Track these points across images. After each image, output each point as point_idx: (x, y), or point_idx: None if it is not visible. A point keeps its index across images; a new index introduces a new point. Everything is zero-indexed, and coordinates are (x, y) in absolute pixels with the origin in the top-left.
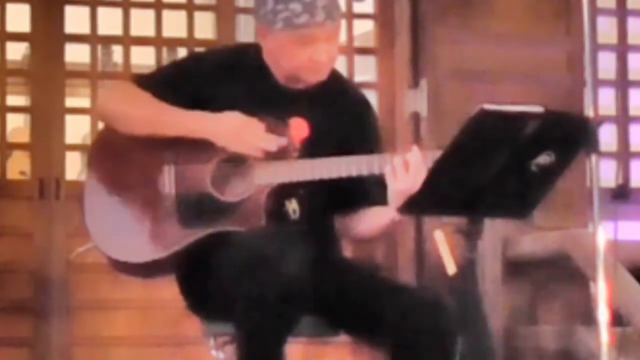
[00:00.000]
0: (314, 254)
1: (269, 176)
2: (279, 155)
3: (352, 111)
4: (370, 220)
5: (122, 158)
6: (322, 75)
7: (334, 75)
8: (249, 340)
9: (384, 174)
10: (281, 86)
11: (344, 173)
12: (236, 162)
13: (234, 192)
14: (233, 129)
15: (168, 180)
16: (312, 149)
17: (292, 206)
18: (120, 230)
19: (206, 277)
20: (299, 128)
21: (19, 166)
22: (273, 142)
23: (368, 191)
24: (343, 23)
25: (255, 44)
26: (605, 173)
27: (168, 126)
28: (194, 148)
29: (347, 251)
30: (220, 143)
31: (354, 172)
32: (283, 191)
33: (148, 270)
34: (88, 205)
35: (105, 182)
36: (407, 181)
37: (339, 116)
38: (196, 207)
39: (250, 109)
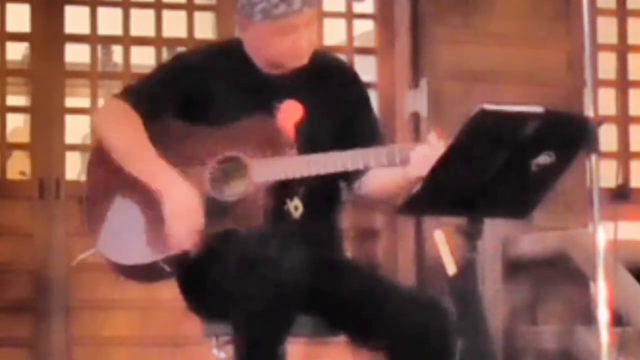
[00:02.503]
0: (315, 254)
1: (266, 174)
2: (276, 152)
3: (343, 84)
4: (382, 180)
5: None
6: (303, 60)
7: (318, 53)
8: (247, 340)
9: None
10: (268, 74)
11: (340, 167)
12: (234, 162)
13: (233, 191)
14: (175, 208)
15: None
16: (311, 128)
17: (294, 204)
18: (121, 234)
19: (206, 277)
20: (291, 110)
21: (19, 166)
22: (187, 245)
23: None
24: (343, 23)
25: (236, 39)
26: (605, 173)
27: (136, 170)
28: (192, 150)
29: (347, 251)
30: (163, 208)
31: (350, 166)
32: (284, 189)
33: (149, 273)
34: (89, 210)
35: (105, 186)
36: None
37: (331, 91)
38: None
39: (242, 101)
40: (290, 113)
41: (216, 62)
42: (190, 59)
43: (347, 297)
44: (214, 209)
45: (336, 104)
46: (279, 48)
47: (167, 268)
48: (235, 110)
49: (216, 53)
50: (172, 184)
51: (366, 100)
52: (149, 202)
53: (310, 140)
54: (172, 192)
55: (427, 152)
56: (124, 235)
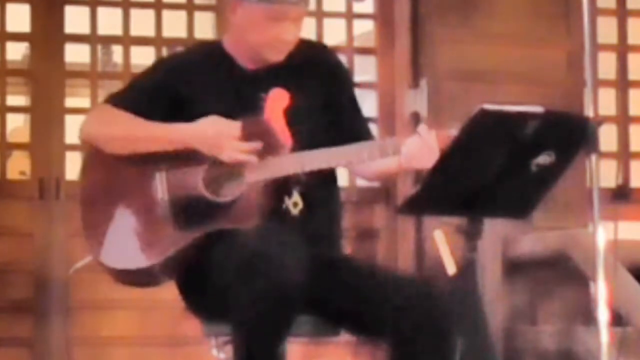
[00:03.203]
0: (314, 251)
1: (260, 173)
2: (270, 151)
3: (325, 70)
4: (375, 166)
5: (115, 167)
6: (281, 56)
7: (301, 42)
8: (247, 341)
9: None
10: (250, 69)
11: (334, 164)
12: (228, 163)
13: (227, 191)
14: (210, 135)
15: (160, 187)
16: (300, 114)
17: (294, 200)
18: (118, 239)
19: (205, 278)
20: (278, 97)
21: (19, 166)
22: (246, 152)
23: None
24: (343, 23)
25: (216, 40)
26: (605, 173)
27: (148, 141)
28: (184, 153)
29: (347, 251)
30: (200, 148)
31: (344, 162)
32: (282, 187)
33: (146, 277)
34: (85, 215)
35: (100, 191)
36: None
37: (314, 78)
38: (190, 210)
39: (228, 97)
40: (277, 101)
41: (199, 62)
42: (173, 62)
43: (348, 294)
44: (210, 209)
45: (320, 89)
46: (265, 35)
47: (163, 275)
48: (223, 107)
49: (198, 54)
50: (188, 133)
51: (349, 86)
52: (144, 206)
53: (301, 125)
54: (194, 136)
55: (418, 144)
56: (120, 241)
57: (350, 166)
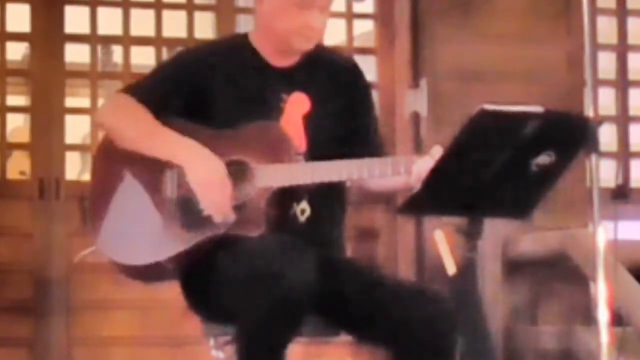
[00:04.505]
0: (320, 256)
1: (270, 179)
2: (282, 158)
3: (345, 78)
4: (383, 181)
5: (125, 163)
6: (310, 44)
7: (320, 47)
8: (252, 344)
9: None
10: (274, 66)
11: (345, 176)
12: (238, 166)
13: (236, 195)
14: (205, 181)
15: (170, 184)
16: (319, 121)
17: (301, 207)
18: (123, 233)
19: (209, 279)
20: (299, 102)
21: (19, 166)
22: (225, 215)
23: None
24: (343, 23)
25: (242, 34)
26: (605, 173)
27: (155, 150)
28: None
29: (347, 251)
30: (190, 182)
31: (355, 175)
32: (290, 193)
33: (150, 273)
34: (92, 208)
35: (109, 186)
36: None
37: (334, 85)
38: (198, 211)
39: (249, 94)
40: (297, 105)
41: (222, 56)
42: (196, 55)
43: (350, 296)
44: None
45: (340, 98)
46: (293, 23)
47: (169, 272)
48: (242, 102)
49: (222, 47)
50: (193, 155)
51: (369, 99)
52: (154, 202)
53: (317, 130)
54: (194, 163)
55: (430, 165)
56: (127, 235)
57: (360, 180)
